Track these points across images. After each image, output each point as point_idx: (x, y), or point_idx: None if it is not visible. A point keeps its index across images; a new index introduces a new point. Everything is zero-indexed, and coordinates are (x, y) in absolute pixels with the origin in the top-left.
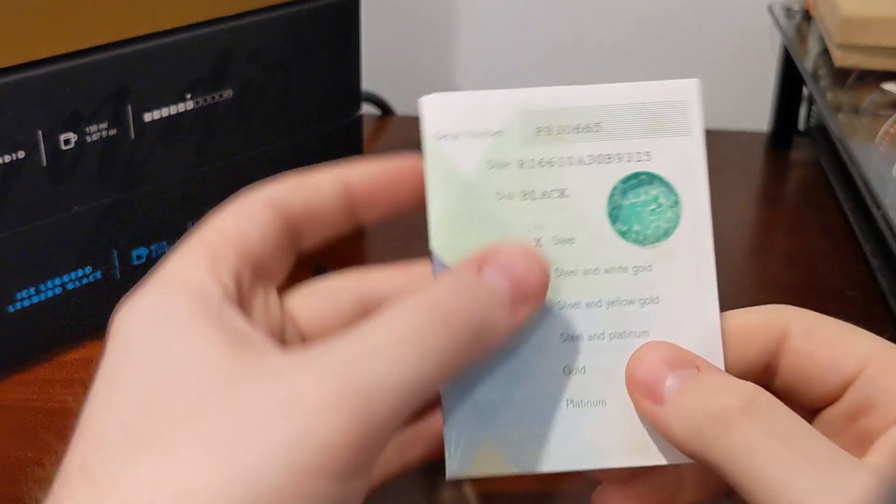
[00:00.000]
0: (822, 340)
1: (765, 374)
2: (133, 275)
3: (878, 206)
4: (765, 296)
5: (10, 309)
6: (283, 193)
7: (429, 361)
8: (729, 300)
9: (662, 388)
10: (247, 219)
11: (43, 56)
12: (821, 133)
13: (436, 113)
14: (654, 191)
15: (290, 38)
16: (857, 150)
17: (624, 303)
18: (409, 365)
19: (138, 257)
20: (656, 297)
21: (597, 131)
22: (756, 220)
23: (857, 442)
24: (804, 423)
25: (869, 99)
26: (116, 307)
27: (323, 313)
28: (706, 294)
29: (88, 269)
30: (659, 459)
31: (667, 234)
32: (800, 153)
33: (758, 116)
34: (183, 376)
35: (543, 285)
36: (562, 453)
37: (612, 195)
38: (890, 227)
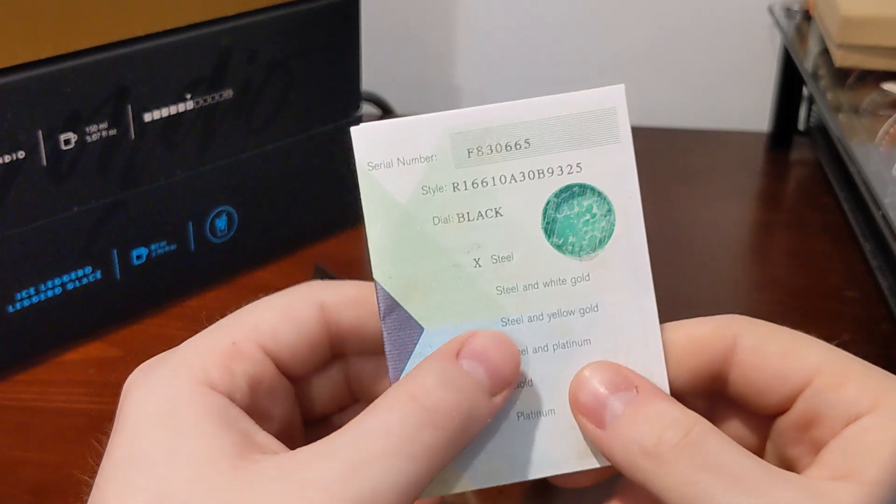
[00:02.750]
0: (770, 352)
1: (714, 383)
2: (133, 275)
3: (878, 206)
4: (765, 296)
5: (10, 309)
6: (339, 305)
7: (422, 460)
8: (729, 300)
9: (604, 414)
10: (289, 321)
11: (43, 56)
12: (821, 133)
13: (366, 143)
14: (587, 201)
15: (290, 38)
16: (857, 150)
17: (565, 314)
18: (403, 468)
19: (138, 257)
20: (595, 305)
21: (526, 147)
22: (756, 220)
23: (810, 450)
24: (737, 448)
25: (869, 99)
26: (130, 379)
27: (297, 339)
28: (644, 297)
29: (88, 269)
30: (608, 461)
31: (602, 243)
32: (800, 153)
33: (758, 116)
34: (188, 481)
35: (517, 371)
36: (517, 464)
37: (545, 210)
38: (890, 227)
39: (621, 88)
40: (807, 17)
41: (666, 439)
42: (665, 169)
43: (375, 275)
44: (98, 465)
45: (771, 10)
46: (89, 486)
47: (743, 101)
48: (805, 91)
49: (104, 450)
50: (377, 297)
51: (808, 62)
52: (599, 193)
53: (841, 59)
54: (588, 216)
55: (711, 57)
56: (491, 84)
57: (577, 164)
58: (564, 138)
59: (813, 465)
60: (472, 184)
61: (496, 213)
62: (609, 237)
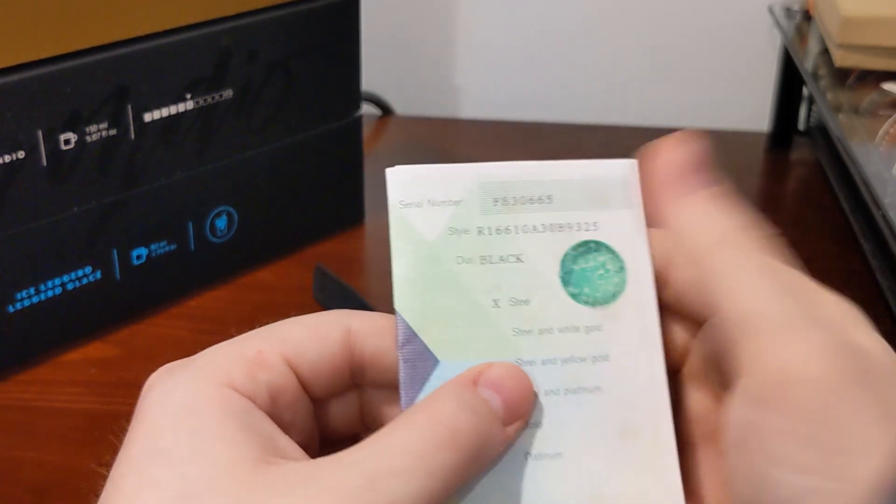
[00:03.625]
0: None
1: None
2: (133, 275)
3: (878, 206)
4: None
5: (10, 309)
6: (365, 333)
7: (438, 479)
8: None
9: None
10: (315, 339)
11: (43, 56)
12: (821, 133)
13: (401, 183)
14: (602, 257)
15: (290, 38)
16: (857, 150)
17: (577, 360)
18: (421, 485)
19: (138, 257)
20: (606, 355)
21: (549, 202)
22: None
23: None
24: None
25: (869, 99)
26: (153, 377)
27: (321, 359)
28: (652, 351)
29: (88, 269)
30: None
31: (614, 296)
32: (800, 153)
33: (758, 116)
34: (210, 480)
35: (530, 404)
36: (520, 503)
37: (563, 261)
38: (890, 227)
39: (634, 163)
40: (807, 17)
41: (741, 230)
42: None
43: (397, 305)
44: (98, 464)
45: (771, 10)
46: (100, 482)
47: (743, 101)
48: (805, 91)
49: (120, 445)
50: (397, 326)
51: (808, 62)
52: (613, 251)
53: (841, 59)
54: (602, 271)
55: (712, 57)
56: (491, 84)
57: (594, 223)
58: (583, 199)
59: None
60: (496, 230)
61: (517, 258)
62: (621, 293)
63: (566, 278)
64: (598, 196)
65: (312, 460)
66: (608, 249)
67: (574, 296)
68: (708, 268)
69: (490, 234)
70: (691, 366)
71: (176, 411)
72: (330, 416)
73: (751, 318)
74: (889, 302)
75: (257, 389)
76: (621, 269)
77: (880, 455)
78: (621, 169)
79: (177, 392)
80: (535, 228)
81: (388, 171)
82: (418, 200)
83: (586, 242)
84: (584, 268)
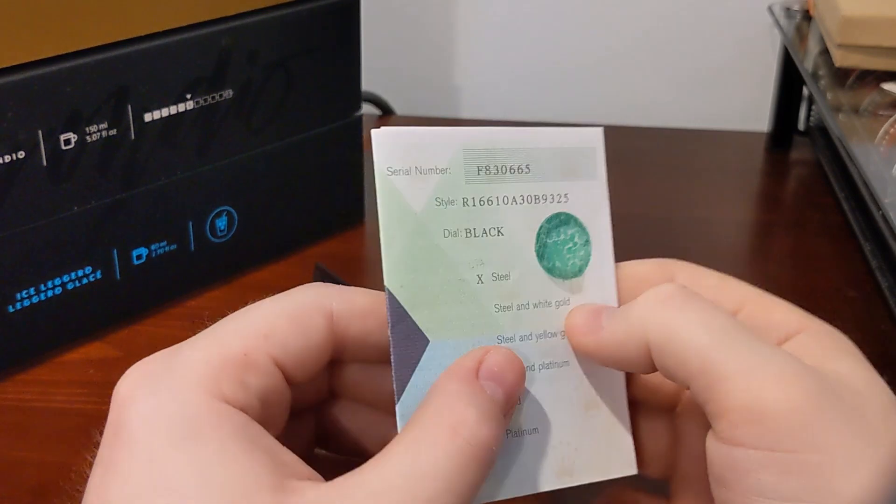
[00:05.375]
0: (704, 285)
1: None
2: (133, 275)
3: (878, 206)
4: None
5: (10, 309)
6: (348, 316)
7: (466, 497)
8: None
9: (599, 323)
10: (299, 331)
11: (43, 56)
12: (821, 133)
13: (387, 147)
14: (571, 230)
15: (290, 38)
16: (857, 150)
17: (549, 335)
18: (432, 497)
19: (138, 257)
20: None
21: (527, 172)
22: (756, 220)
23: None
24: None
25: (869, 99)
26: (129, 385)
27: (305, 350)
28: None
29: (88, 269)
30: (581, 480)
31: (580, 270)
32: (800, 153)
33: (758, 116)
34: None
35: (523, 389)
36: (504, 482)
37: (538, 234)
38: (890, 227)
39: (600, 131)
40: (807, 17)
41: (678, 293)
42: (665, 169)
43: (387, 282)
44: (84, 469)
45: (771, 10)
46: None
47: (743, 101)
48: (805, 91)
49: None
50: (387, 305)
51: (808, 62)
52: (580, 224)
53: (841, 59)
54: (571, 244)
55: (711, 57)
56: (491, 84)
57: (565, 195)
58: (556, 168)
59: None
60: (479, 201)
61: (498, 231)
62: (586, 265)
63: (540, 252)
64: (569, 166)
65: (331, 483)
66: (576, 222)
67: (548, 270)
68: (657, 342)
69: (474, 206)
70: (683, 406)
71: (170, 433)
72: (297, 394)
73: (709, 370)
74: (889, 302)
75: (249, 398)
76: (587, 241)
77: (860, 470)
78: (589, 136)
79: (166, 410)
80: (514, 200)
81: (374, 132)
82: (406, 167)
83: (558, 215)
84: (556, 241)
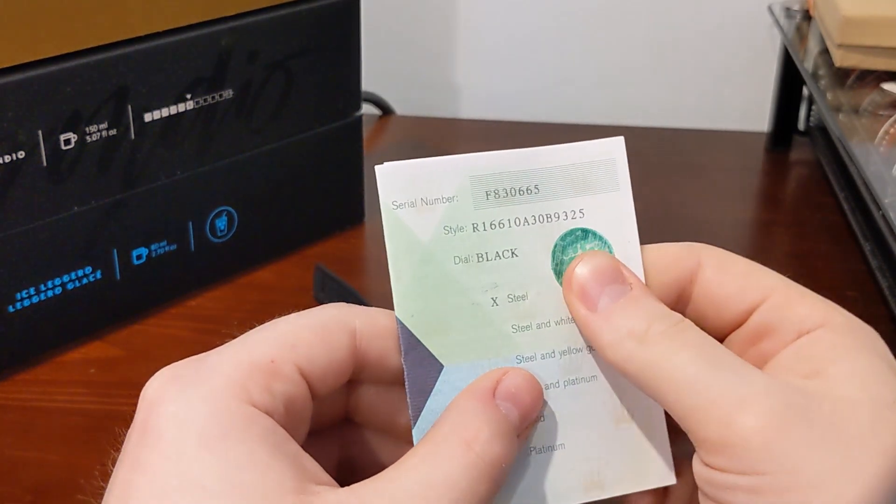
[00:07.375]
0: (732, 272)
1: (679, 302)
2: (133, 275)
3: (878, 206)
4: None
5: (10, 309)
6: (369, 335)
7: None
8: None
9: (598, 300)
10: (324, 345)
11: (43, 56)
12: (821, 133)
13: (390, 182)
14: (589, 245)
15: (290, 38)
16: (857, 150)
17: (574, 351)
18: None
19: (138, 257)
20: None
21: (536, 192)
22: (756, 220)
23: (755, 362)
24: (715, 341)
25: (869, 99)
26: (159, 388)
27: (329, 365)
28: None
29: (88, 269)
30: (612, 492)
31: None
32: (800, 153)
33: (758, 116)
34: None
35: (540, 409)
36: (530, 498)
37: (554, 252)
38: (890, 227)
39: (621, 140)
40: (807, 17)
41: (654, 328)
42: (665, 169)
43: (397, 312)
44: (103, 465)
45: (771, 10)
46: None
47: (743, 101)
48: (805, 91)
49: (118, 455)
50: (399, 334)
51: (808, 62)
52: (600, 237)
53: (841, 59)
54: None
55: (711, 57)
56: (491, 84)
57: (581, 210)
58: (568, 185)
59: (771, 370)
60: (490, 225)
61: (512, 253)
62: None
63: (558, 269)
64: (583, 181)
65: (350, 489)
66: (595, 235)
67: None
68: (638, 382)
69: (485, 230)
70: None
71: (200, 434)
72: (316, 410)
73: (680, 405)
74: (889, 302)
75: (274, 403)
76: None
77: (840, 485)
78: (607, 148)
79: (196, 411)
80: (525, 221)
81: (378, 168)
82: (411, 200)
83: (573, 231)
84: (573, 257)
